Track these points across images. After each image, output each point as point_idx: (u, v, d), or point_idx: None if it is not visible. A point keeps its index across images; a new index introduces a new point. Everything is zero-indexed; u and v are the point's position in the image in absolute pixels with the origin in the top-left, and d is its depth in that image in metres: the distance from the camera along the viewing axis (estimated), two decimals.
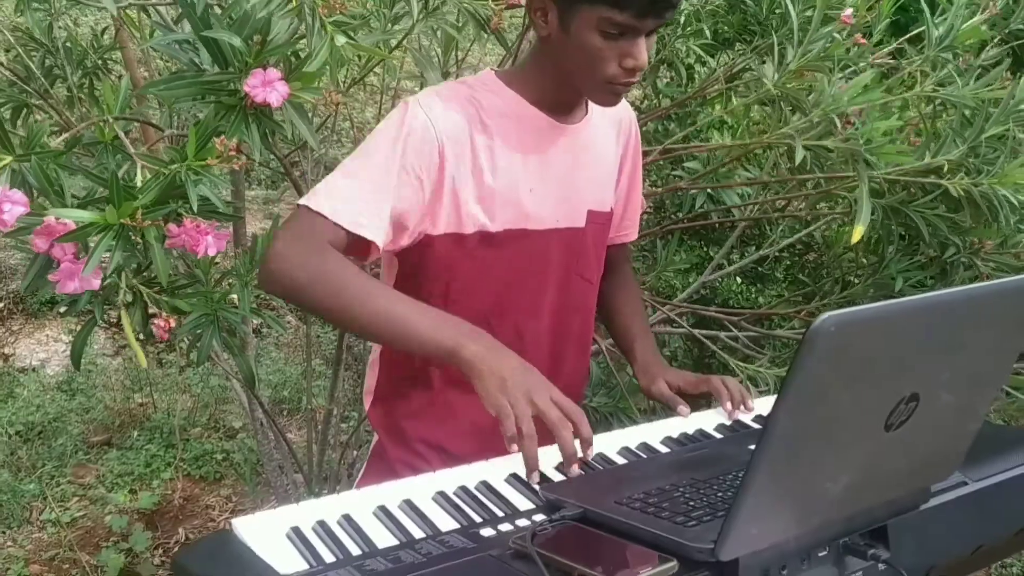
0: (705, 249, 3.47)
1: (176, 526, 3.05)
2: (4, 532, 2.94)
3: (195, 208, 1.33)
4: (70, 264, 1.34)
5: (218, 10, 1.36)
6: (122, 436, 3.50)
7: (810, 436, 0.85)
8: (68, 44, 2.15)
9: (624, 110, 1.56)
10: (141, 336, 1.53)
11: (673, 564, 0.89)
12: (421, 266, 1.40)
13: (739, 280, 3.57)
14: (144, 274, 1.58)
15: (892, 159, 1.75)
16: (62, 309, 4.30)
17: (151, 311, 1.56)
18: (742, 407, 1.42)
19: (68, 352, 4.02)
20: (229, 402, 3.68)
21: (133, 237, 1.33)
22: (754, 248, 3.16)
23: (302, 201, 1.31)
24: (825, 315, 0.76)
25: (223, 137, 1.31)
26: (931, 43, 1.92)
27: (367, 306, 1.25)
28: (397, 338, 1.27)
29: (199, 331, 1.91)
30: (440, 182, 1.33)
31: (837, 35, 1.88)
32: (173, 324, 1.51)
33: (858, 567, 1.02)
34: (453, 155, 1.33)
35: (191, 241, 1.36)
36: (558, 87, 1.39)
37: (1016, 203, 1.78)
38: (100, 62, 2.23)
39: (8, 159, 1.36)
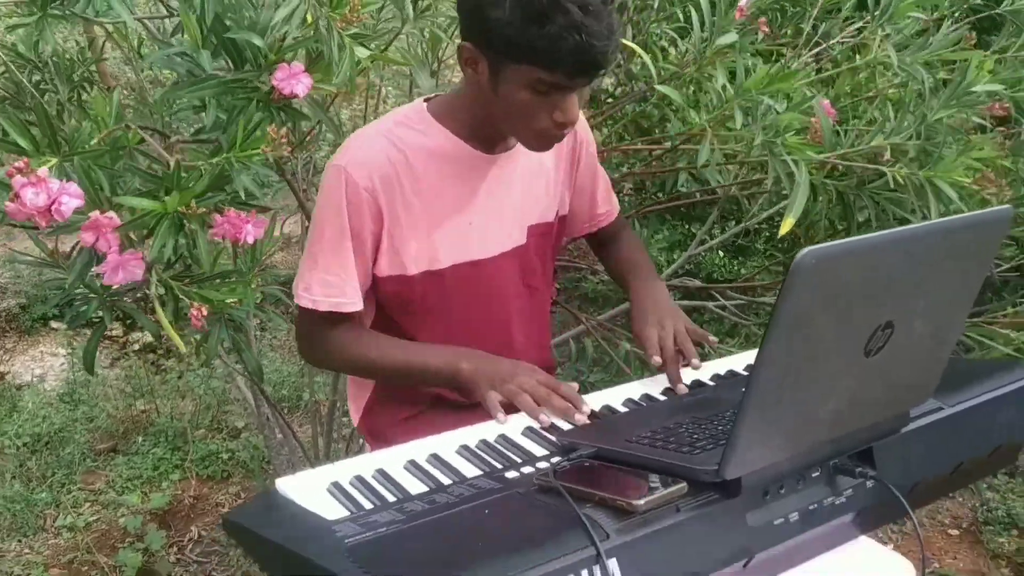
0: (687, 226, 3.58)
1: (188, 524, 3.12)
2: (21, 540, 3.00)
3: (244, 196, 1.43)
4: (116, 256, 1.41)
5: (227, 22, 1.44)
6: (127, 442, 3.57)
7: (798, 363, 0.95)
8: (55, 59, 2.22)
9: None
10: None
11: (683, 486, 0.99)
12: (385, 301, 1.52)
13: (721, 254, 3.69)
14: (173, 268, 1.67)
15: (800, 154, 1.71)
16: (56, 325, 4.36)
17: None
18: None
19: (65, 366, 4.10)
20: (231, 403, 3.76)
21: (186, 225, 1.42)
22: (734, 223, 3.27)
23: (296, 299, 1.47)
24: (806, 250, 0.86)
25: (273, 126, 1.40)
26: (877, 14, 1.93)
27: (385, 365, 1.47)
28: (415, 380, 1.49)
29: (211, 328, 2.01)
30: (379, 232, 1.42)
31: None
32: (206, 312, 1.59)
33: (848, 485, 1.13)
34: (386, 205, 1.40)
35: (233, 230, 1.43)
36: (485, 125, 1.42)
37: (955, 195, 1.74)
38: (88, 74, 2.30)
39: (54, 160, 1.44)
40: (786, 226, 1.63)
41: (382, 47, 1.80)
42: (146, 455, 3.46)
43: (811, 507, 1.08)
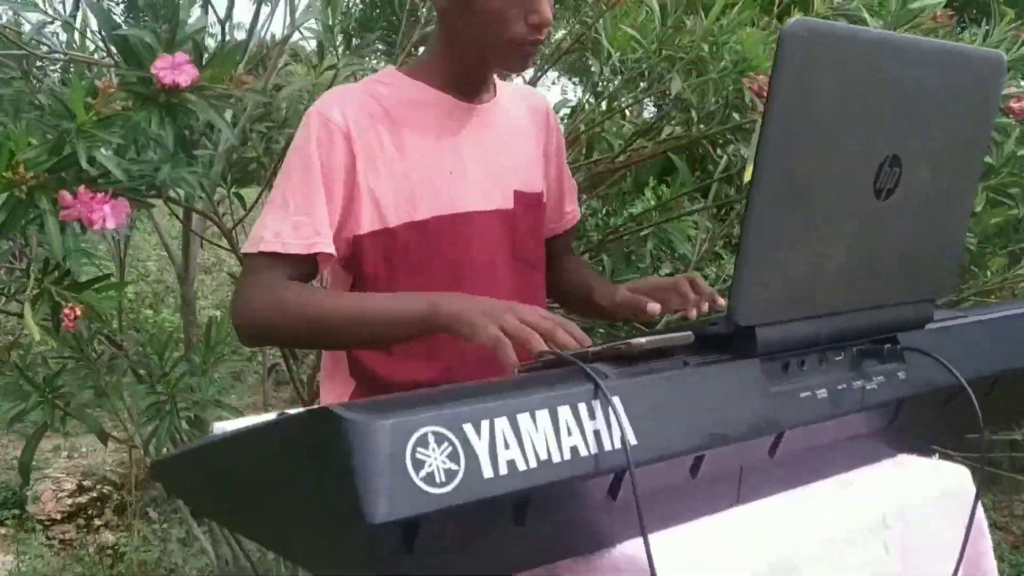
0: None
1: None
2: None
3: (85, 167, 1.30)
4: None
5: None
6: None
7: (800, 172, 0.85)
8: None
9: (539, 99, 1.58)
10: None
11: (688, 334, 0.86)
12: (362, 271, 1.39)
13: None
14: (54, 273, 1.54)
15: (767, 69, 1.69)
16: None
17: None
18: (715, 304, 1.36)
19: None
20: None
21: (18, 195, 1.29)
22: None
23: (246, 249, 1.33)
24: (794, 18, 0.78)
25: (104, 80, 1.32)
26: None
27: (340, 317, 1.25)
28: (378, 331, 1.26)
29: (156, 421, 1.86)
30: (354, 178, 1.33)
31: None
32: (79, 313, 1.45)
33: (877, 371, 0.99)
34: (361, 149, 1.33)
35: (86, 210, 1.31)
36: (462, 67, 1.40)
37: None
38: None
39: None
40: (747, 175, 1.57)
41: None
42: None
43: (839, 386, 0.95)
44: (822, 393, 0.93)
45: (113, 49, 1.52)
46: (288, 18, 2.24)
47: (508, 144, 1.47)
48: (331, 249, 1.30)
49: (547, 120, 1.56)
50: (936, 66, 0.93)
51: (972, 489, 1.06)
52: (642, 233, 2.63)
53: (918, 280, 1.04)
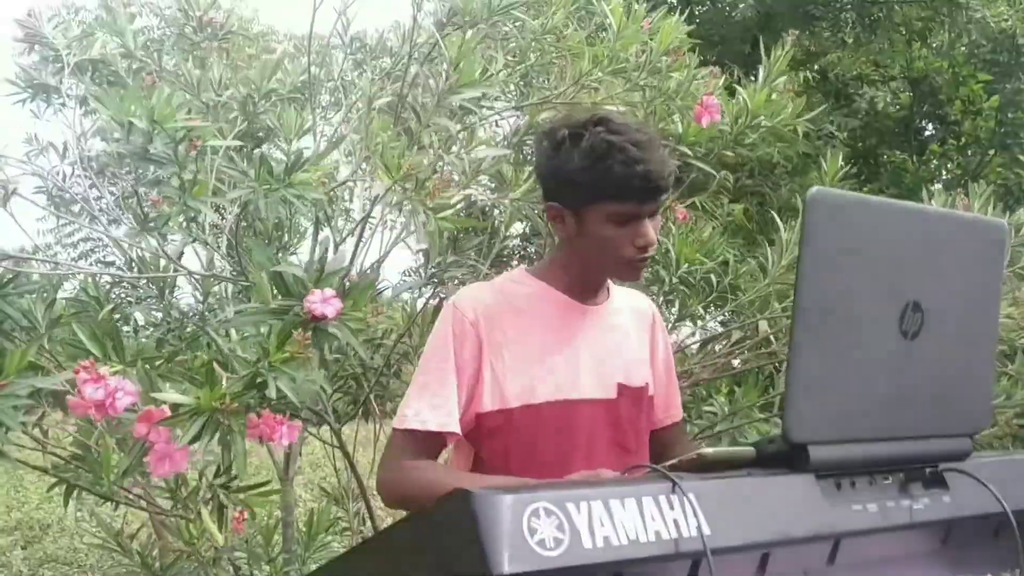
0: None
1: None
2: None
3: (274, 395, 1.56)
4: (164, 446, 1.53)
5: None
6: None
7: (835, 316, 1.03)
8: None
9: (645, 303, 1.77)
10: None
11: (750, 449, 1.01)
12: (482, 445, 1.58)
13: None
14: (222, 477, 1.76)
15: None
16: None
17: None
18: None
19: None
20: None
21: (221, 421, 1.54)
22: None
23: (395, 424, 1.55)
24: (814, 188, 0.99)
25: (298, 331, 1.58)
26: None
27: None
28: None
29: None
30: (479, 364, 1.54)
31: None
32: (247, 516, 1.66)
33: (923, 493, 1.12)
34: (488, 334, 1.54)
35: (268, 431, 1.55)
36: (581, 275, 1.61)
37: None
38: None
39: (120, 366, 1.62)
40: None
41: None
42: None
43: (888, 503, 1.08)
44: (873, 508, 1.06)
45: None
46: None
47: (616, 340, 1.65)
48: (458, 430, 1.50)
49: (652, 322, 1.73)
50: (943, 229, 1.13)
51: None
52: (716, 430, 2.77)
53: (954, 414, 1.19)
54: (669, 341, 1.81)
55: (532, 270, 1.66)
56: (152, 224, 2.18)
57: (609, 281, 1.66)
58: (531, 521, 0.81)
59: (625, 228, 1.49)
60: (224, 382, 1.53)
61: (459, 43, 2.17)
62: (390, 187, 1.86)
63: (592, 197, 1.47)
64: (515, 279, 1.63)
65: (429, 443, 1.51)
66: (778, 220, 2.58)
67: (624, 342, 1.67)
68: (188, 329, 2.51)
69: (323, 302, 1.62)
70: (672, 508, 0.90)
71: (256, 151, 2.03)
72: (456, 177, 2.12)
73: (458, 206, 2.10)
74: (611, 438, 1.59)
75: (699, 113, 2.38)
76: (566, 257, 1.61)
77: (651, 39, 2.49)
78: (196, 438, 1.51)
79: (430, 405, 1.50)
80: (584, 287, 1.62)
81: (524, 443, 1.54)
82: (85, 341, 1.64)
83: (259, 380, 1.56)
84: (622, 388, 1.62)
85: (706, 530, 0.90)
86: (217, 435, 1.54)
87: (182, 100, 2.06)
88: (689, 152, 2.51)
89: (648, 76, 2.49)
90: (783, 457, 1.03)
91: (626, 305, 1.70)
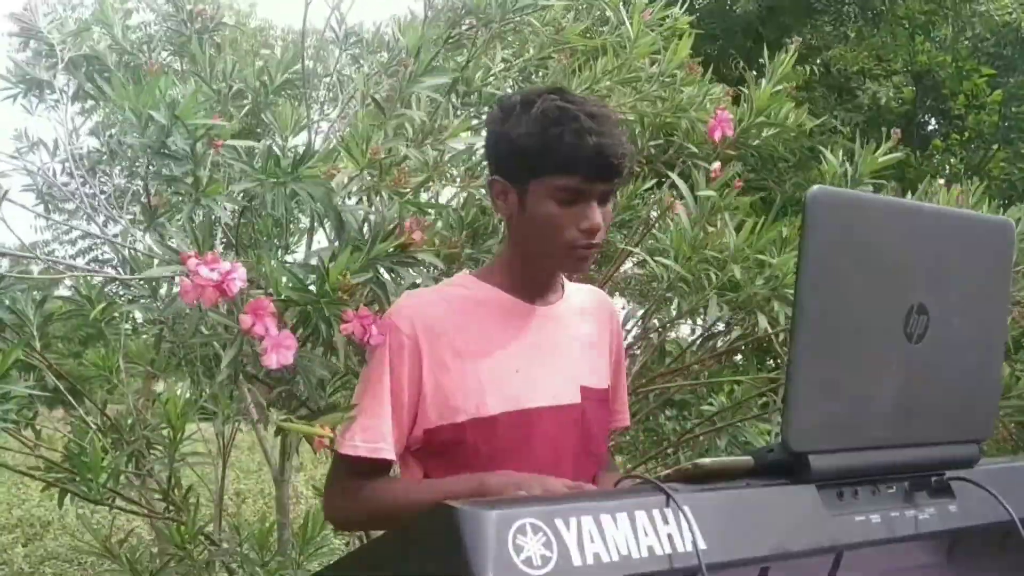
0: None
1: None
2: None
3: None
4: (273, 336, 1.47)
5: None
6: None
7: (836, 320, 0.99)
8: None
9: (604, 299, 1.69)
10: None
11: (748, 458, 0.97)
12: (431, 461, 1.50)
13: None
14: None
15: None
16: None
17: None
18: None
19: None
20: None
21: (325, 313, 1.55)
22: None
23: (335, 447, 1.48)
24: (815, 186, 0.95)
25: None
26: None
27: (411, 507, 1.37)
28: None
29: None
30: (420, 377, 1.46)
31: None
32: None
33: (928, 503, 1.08)
34: (429, 346, 1.46)
35: (361, 329, 1.49)
36: (529, 270, 1.51)
37: None
38: None
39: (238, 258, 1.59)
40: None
41: None
42: None
43: (892, 514, 1.04)
44: (876, 519, 1.02)
45: None
46: None
47: (575, 341, 1.55)
48: (392, 455, 1.44)
49: (610, 321, 1.65)
50: (948, 228, 1.09)
51: None
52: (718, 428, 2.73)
53: (961, 420, 1.15)
54: (623, 337, 1.72)
55: (477, 273, 1.56)
56: (160, 219, 2.14)
57: (563, 278, 1.57)
58: (516, 538, 0.77)
59: (570, 208, 1.39)
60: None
61: (419, 33, 2.13)
62: (358, 174, 1.82)
63: (537, 168, 1.38)
64: (459, 283, 1.54)
65: (367, 467, 1.45)
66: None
67: (583, 342, 1.57)
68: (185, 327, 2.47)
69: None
70: (666, 522, 0.86)
71: (263, 144, 1.98)
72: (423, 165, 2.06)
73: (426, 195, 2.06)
74: (580, 446, 1.51)
75: (712, 127, 2.35)
76: (509, 252, 1.52)
77: (665, 48, 2.47)
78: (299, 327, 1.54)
79: (362, 427, 1.43)
80: (531, 285, 1.52)
81: (482, 460, 1.44)
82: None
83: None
84: (586, 391, 1.53)
85: (702, 545, 0.86)
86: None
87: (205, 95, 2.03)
88: (696, 150, 2.48)
89: (659, 87, 2.45)
90: (782, 466, 0.99)
91: (582, 301, 1.60)
